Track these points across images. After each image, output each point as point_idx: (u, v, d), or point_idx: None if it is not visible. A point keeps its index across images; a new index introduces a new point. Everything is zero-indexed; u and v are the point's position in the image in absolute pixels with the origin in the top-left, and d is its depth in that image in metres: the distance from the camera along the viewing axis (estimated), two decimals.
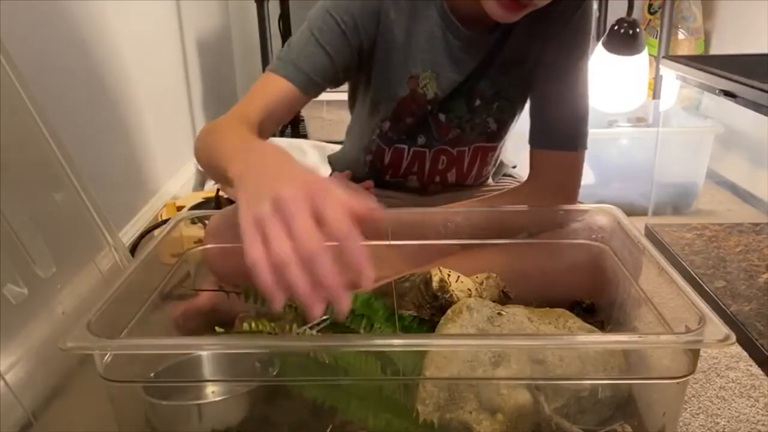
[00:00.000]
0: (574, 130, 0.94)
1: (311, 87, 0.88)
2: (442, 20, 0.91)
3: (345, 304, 0.52)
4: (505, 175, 1.16)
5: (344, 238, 0.52)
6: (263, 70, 2.09)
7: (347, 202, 0.54)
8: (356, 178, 1.09)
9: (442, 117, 0.99)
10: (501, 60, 0.94)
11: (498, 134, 1.02)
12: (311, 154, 1.83)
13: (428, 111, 0.97)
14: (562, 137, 0.94)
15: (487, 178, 1.11)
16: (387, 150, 1.04)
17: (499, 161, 1.13)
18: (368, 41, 0.91)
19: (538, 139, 0.95)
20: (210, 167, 0.77)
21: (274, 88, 0.89)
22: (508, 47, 0.94)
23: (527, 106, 1.00)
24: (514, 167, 1.18)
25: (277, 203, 0.53)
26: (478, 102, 0.98)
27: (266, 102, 0.88)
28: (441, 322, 0.73)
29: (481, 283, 0.80)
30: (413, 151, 1.03)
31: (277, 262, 0.52)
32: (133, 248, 1.29)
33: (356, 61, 0.92)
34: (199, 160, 0.81)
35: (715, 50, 2.05)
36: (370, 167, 1.07)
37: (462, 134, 1.00)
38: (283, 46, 0.92)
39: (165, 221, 1.39)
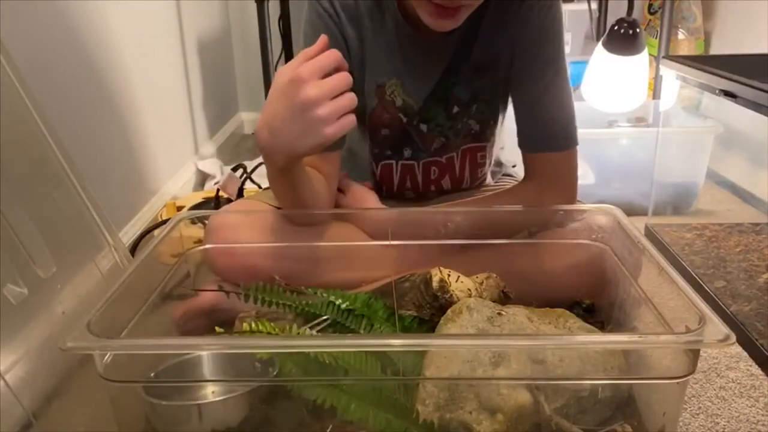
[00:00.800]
0: (562, 130, 0.93)
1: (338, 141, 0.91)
2: (397, 29, 0.92)
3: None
4: (504, 174, 1.15)
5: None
6: (263, 70, 2.11)
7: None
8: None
9: (423, 128, 0.99)
10: (472, 64, 0.95)
11: (483, 134, 1.02)
12: None
13: (402, 121, 0.98)
14: (551, 139, 0.93)
15: (485, 178, 1.11)
16: (375, 167, 1.04)
17: (496, 160, 1.13)
18: (349, 59, 0.93)
19: (527, 143, 0.95)
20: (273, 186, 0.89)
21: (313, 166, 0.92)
22: (476, 51, 0.94)
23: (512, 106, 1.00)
24: (513, 167, 1.18)
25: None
26: (456, 108, 0.98)
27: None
28: (441, 322, 0.73)
29: (481, 283, 0.80)
30: (401, 165, 1.03)
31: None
32: (133, 248, 1.29)
33: None
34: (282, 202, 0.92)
35: (715, 50, 2.05)
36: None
37: (447, 141, 1.00)
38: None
39: (165, 221, 1.39)
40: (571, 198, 0.95)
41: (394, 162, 1.03)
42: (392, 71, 0.95)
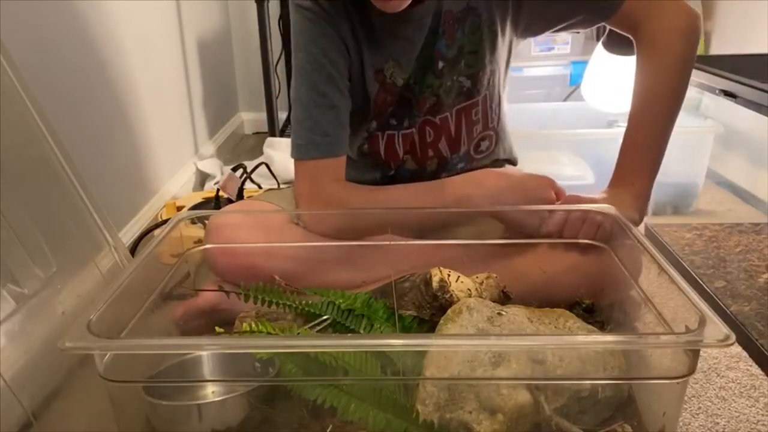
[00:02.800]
0: None
1: (346, 141, 0.96)
2: (379, 10, 0.91)
3: None
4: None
5: None
6: (263, 70, 2.10)
7: None
8: (363, 180, 1.10)
9: (417, 92, 0.99)
10: (447, 15, 0.94)
11: (475, 89, 1.01)
12: None
13: (403, 94, 0.98)
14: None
15: (492, 149, 1.08)
16: (381, 139, 1.04)
17: (508, 152, 1.12)
18: (348, 57, 0.95)
19: (599, 15, 0.95)
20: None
21: (325, 171, 0.94)
22: (448, 1, 0.93)
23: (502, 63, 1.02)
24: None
25: None
26: (441, 64, 0.97)
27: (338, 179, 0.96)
28: (441, 322, 0.73)
29: (481, 283, 0.80)
30: (402, 135, 1.03)
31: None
32: (133, 248, 1.29)
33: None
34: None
35: (715, 50, 2.05)
36: (369, 162, 1.07)
37: (438, 100, 1.00)
38: (291, 123, 0.98)
39: (165, 221, 1.39)
40: (680, 7, 0.93)
41: (396, 132, 1.03)
42: (387, 53, 0.95)
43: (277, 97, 2.13)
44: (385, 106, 0.99)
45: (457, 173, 1.06)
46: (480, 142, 1.06)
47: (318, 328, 0.80)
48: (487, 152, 1.08)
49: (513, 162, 1.14)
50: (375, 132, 1.03)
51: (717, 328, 0.58)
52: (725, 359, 0.95)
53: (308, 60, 0.92)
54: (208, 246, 0.92)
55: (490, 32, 0.96)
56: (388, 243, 0.91)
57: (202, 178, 1.92)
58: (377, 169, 1.07)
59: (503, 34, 0.98)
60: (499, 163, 1.12)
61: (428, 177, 1.06)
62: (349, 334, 0.79)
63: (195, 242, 0.92)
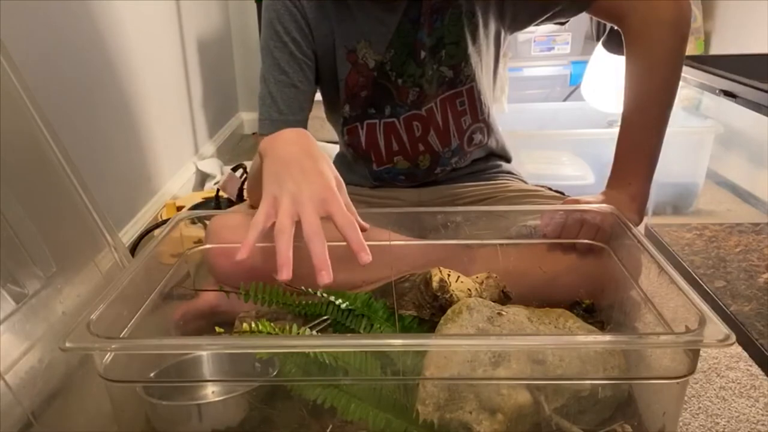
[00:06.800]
0: None
1: (303, 123, 0.97)
2: None
3: (327, 277, 0.66)
4: (506, 172, 1.14)
5: (348, 230, 0.69)
6: None
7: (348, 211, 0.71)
8: (353, 182, 1.10)
9: (399, 81, 0.99)
10: (427, 5, 0.94)
11: (457, 79, 1.00)
12: None
13: (376, 79, 0.98)
14: None
15: (484, 142, 1.08)
16: (360, 129, 1.03)
17: (500, 150, 1.11)
18: (312, 40, 0.96)
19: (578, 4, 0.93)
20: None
21: None
22: None
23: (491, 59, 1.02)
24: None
25: (295, 197, 0.70)
26: (423, 54, 0.97)
27: None
28: (441, 322, 0.73)
29: (481, 283, 0.80)
30: (384, 124, 1.02)
31: (278, 228, 0.68)
32: (133, 248, 1.29)
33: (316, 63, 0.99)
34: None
35: (715, 50, 2.05)
36: (354, 159, 1.07)
37: (421, 91, 0.99)
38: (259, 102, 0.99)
39: (165, 221, 1.39)
40: None
41: (377, 121, 1.02)
42: (359, 33, 0.96)
43: None
44: (357, 89, 0.99)
45: (452, 169, 1.06)
46: (472, 135, 1.05)
47: (318, 328, 0.80)
48: (480, 144, 1.07)
49: (506, 158, 1.14)
50: (353, 123, 1.03)
51: (717, 328, 0.58)
52: (725, 359, 0.95)
53: (272, 37, 0.95)
54: (207, 246, 0.92)
55: (470, 24, 0.96)
56: (388, 243, 0.91)
57: (202, 178, 1.92)
58: (359, 163, 1.07)
59: (486, 26, 0.98)
60: (493, 158, 1.11)
61: (422, 175, 1.06)
62: (349, 334, 0.79)
63: (195, 242, 0.92)
